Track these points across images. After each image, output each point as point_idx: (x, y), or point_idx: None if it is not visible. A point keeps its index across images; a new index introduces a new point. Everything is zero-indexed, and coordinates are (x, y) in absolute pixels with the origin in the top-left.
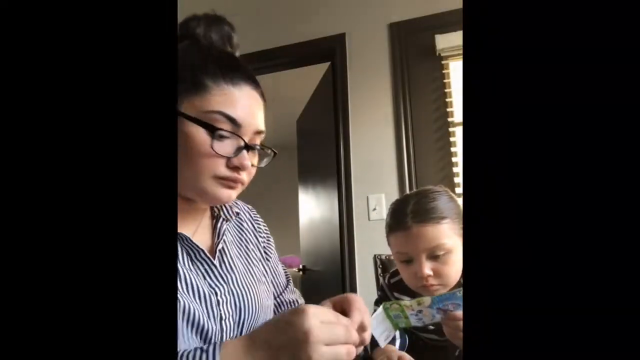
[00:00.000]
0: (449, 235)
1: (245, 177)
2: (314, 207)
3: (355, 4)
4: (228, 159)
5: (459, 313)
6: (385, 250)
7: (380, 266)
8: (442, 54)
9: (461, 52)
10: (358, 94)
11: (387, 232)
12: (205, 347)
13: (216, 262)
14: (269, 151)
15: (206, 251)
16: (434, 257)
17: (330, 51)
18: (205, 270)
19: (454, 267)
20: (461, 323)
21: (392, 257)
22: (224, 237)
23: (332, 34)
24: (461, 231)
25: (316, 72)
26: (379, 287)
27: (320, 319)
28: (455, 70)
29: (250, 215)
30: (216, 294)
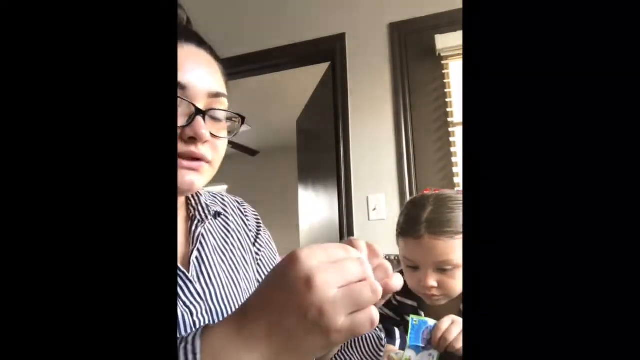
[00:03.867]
0: (459, 251)
1: (209, 152)
2: (314, 207)
3: (355, 4)
4: (181, 129)
5: (436, 332)
6: (385, 250)
7: None
8: (442, 54)
9: (461, 52)
10: (358, 94)
11: (398, 233)
12: (184, 335)
13: (191, 274)
14: (235, 118)
15: (179, 262)
16: (441, 270)
17: (330, 51)
18: (179, 285)
19: (459, 281)
20: (448, 333)
21: (392, 258)
22: (200, 243)
23: (332, 34)
24: None
25: (316, 72)
26: None
27: (320, 258)
28: (455, 70)
29: (240, 210)
30: (191, 314)
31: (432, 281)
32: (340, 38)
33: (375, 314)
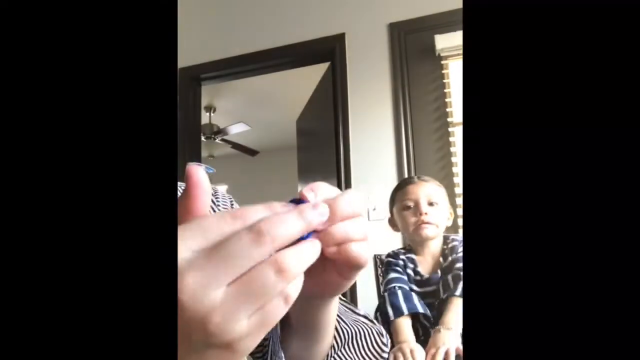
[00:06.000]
0: (440, 194)
1: None
2: None
3: (355, 4)
4: None
5: None
6: (384, 250)
7: (380, 266)
8: (442, 54)
9: (461, 52)
10: (358, 93)
11: (395, 191)
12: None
13: None
14: None
15: None
16: (430, 203)
17: (330, 51)
18: None
19: (442, 214)
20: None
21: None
22: None
23: (332, 34)
24: (446, 198)
25: (316, 72)
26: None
27: (194, 245)
28: (455, 70)
29: (212, 202)
30: None
31: (426, 208)
32: (340, 38)
33: (291, 289)
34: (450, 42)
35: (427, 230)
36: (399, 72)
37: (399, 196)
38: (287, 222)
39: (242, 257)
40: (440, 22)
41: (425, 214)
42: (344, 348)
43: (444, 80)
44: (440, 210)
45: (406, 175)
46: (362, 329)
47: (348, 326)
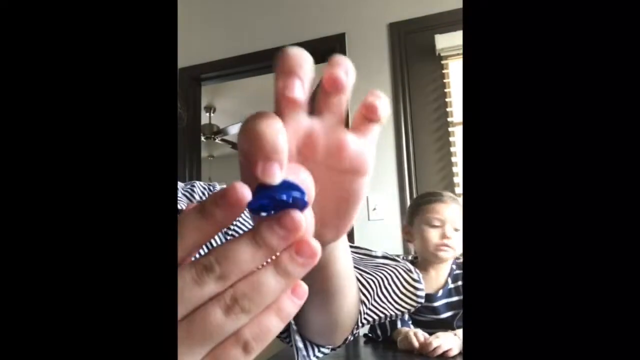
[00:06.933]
0: (461, 217)
1: None
2: None
3: (355, 4)
4: None
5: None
6: (384, 250)
7: None
8: (442, 54)
9: (461, 52)
10: (358, 94)
11: (421, 203)
12: None
13: None
14: None
15: None
16: (455, 229)
17: (330, 51)
18: None
19: (460, 240)
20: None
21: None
22: None
23: (332, 34)
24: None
25: (316, 72)
26: None
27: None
28: (455, 70)
29: (209, 194)
30: None
31: (451, 232)
32: (340, 38)
33: (253, 331)
34: (450, 42)
35: (447, 254)
36: (399, 72)
37: (425, 211)
38: (239, 256)
39: (184, 297)
40: (440, 22)
41: (450, 238)
42: (376, 299)
43: (444, 80)
44: (460, 236)
45: (406, 176)
46: (387, 272)
47: (371, 275)
